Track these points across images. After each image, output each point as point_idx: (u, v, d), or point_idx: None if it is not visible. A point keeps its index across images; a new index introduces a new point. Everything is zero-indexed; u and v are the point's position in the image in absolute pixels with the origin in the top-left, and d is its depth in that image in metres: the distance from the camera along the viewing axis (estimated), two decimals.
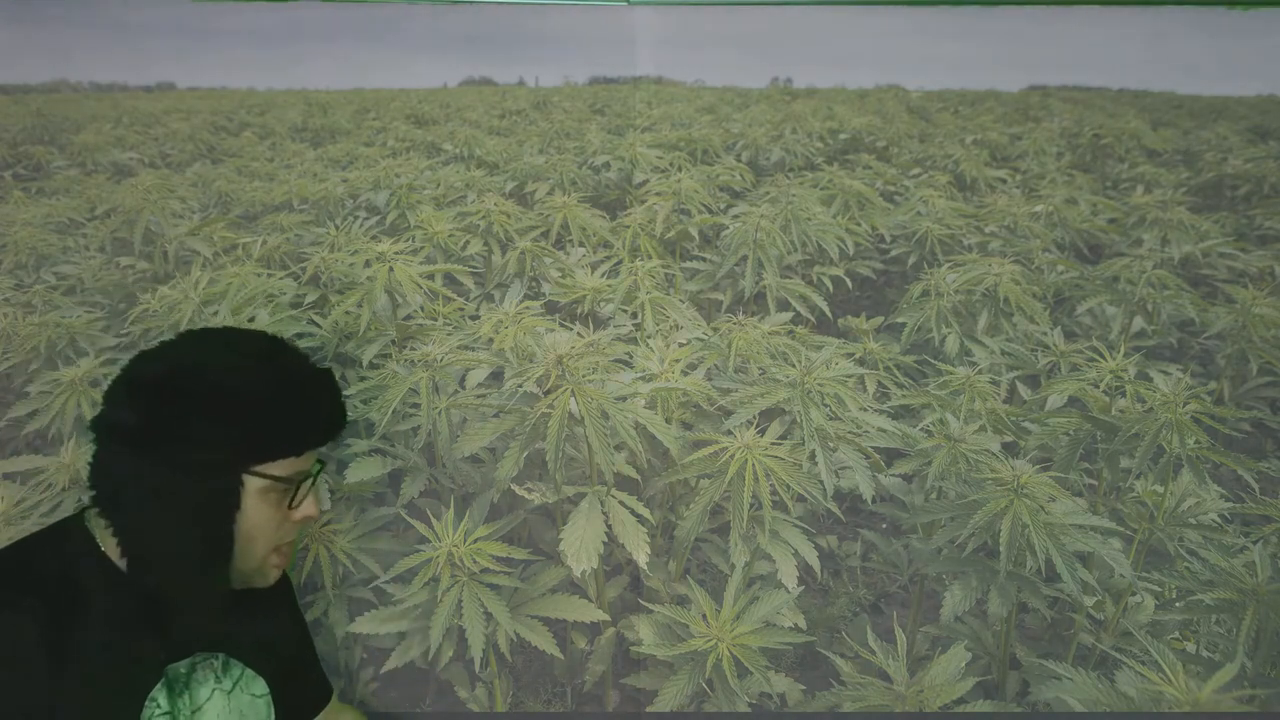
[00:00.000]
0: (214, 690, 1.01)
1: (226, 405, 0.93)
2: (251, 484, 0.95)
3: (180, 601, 0.94)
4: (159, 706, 0.95)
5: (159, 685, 0.95)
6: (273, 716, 1.07)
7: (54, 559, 0.93)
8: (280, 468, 0.96)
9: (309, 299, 1.70)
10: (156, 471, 0.91)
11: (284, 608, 1.18)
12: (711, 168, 1.80)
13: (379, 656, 1.59)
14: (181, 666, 0.98)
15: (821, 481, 1.56)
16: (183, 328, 1.64)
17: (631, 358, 1.64)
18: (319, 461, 1.04)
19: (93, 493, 0.94)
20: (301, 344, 1.66)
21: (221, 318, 1.65)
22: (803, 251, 1.77)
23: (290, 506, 0.99)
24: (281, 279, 1.71)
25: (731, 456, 1.55)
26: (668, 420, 1.62)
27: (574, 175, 1.78)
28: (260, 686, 1.06)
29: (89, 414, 1.65)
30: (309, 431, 0.99)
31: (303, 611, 1.26)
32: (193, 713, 0.98)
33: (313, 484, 1.02)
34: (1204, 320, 1.71)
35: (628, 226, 1.73)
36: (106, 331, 1.70)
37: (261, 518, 0.96)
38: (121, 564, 0.94)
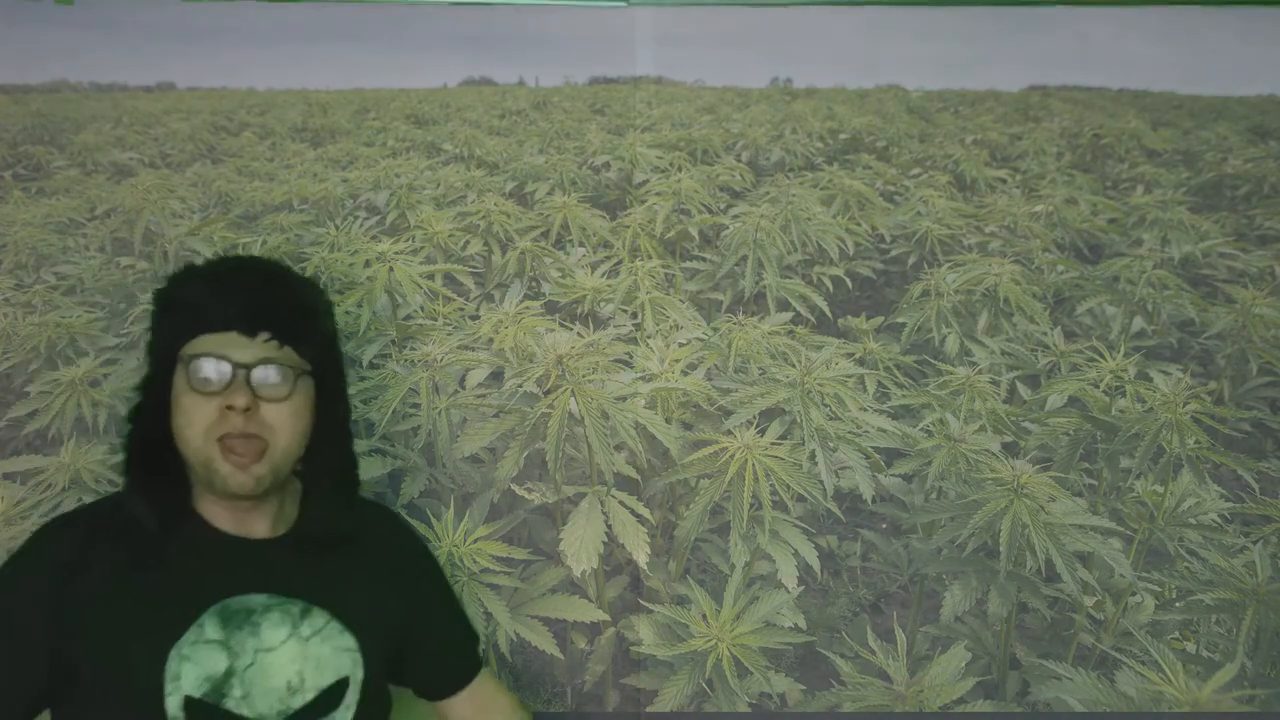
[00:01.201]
0: (290, 634, 0.99)
1: (161, 301, 1.03)
2: (180, 367, 0.99)
3: (130, 487, 0.99)
4: (205, 633, 0.95)
5: (209, 614, 0.96)
6: (361, 674, 1.03)
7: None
8: (192, 347, 0.98)
9: None
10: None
11: (400, 569, 1.14)
12: (711, 168, 1.80)
13: None
14: (245, 602, 0.98)
15: (821, 481, 1.56)
16: None
17: (631, 358, 1.64)
18: (295, 366, 1.01)
19: None
20: None
21: None
22: (803, 251, 1.78)
23: (190, 386, 0.97)
24: None
25: (731, 456, 1.55)
26: (668, 420, 1.62)
27: (574, 175, 1.78)
28: (348, 640, 1.02)
29: (89, 414, 1.65)
30: (199, 308, 0.99)
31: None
32: (257, 652, 0.97)
33: (242, 373, 0.98)
34: (1204, 320, 1.71)
35: (628, 226, 1.73)
36: (106, 331, 1.70)
37: (185, 402, 0.98)
38: None
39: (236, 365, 0.97)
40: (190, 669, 0.94)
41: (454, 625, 1.22)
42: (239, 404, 0.96)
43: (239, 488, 0.98)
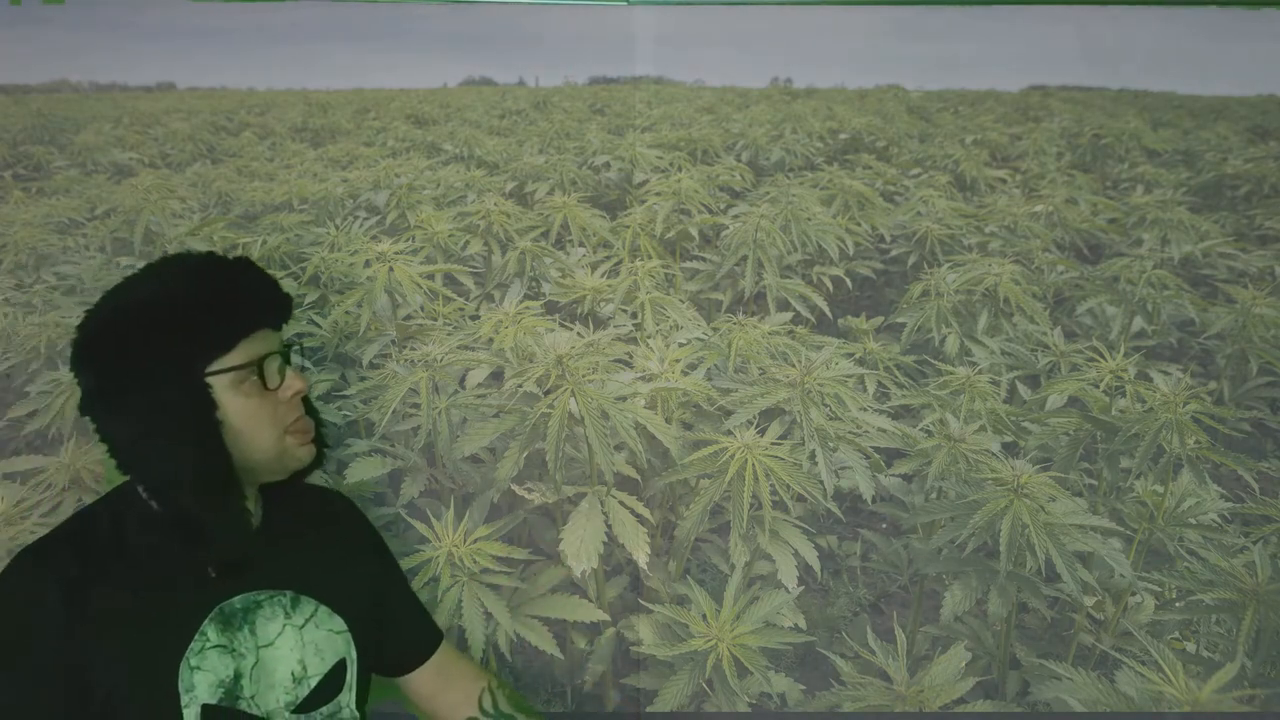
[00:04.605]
0: (285, 625, 1.02)
1: (154, 321, 0.97)
2: (219, 383, 0.96)
3: (209, 519, 0.96)
4: (208, 640, 0.97)
5: (209, 620, 0.98)
6: (354, 653, 1.07)
7: (104, 516, 0.98)
8: (236, 356, 0.97)
9: (309, 299, 1.70)
10: (127, 411, 0.95)
11: (364, 548, 1.18)
12: (711, 168, 1.80)
13: None
14: (238, 603, 1.00)
15: (821, 481, 1.56)
16: None
17: (631, 358, 1.64)
18: (286, 344, 1.05)
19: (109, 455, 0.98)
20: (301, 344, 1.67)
21: None
22: (803, 251, 1.78)
23: (269, 388, 1.00)
24: (281, 279, 1.71)
25: (731, 456, 1.55)
26: (668, 420, 1.62)
27: (574, 175, 1.78)
28: (338, 623, 1.06)
29: None
30: (239, 316, 1.00)
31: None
32: (260, 647, 1.00)
33: (286, 361, 1.03)
34: (1204, 320, 1.71)
35: (628, 226, 1.73)
36: None
37: (250, 408, 0.98)
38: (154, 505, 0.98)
39: (283, 356, 1.02)
40: (202, 678, 0.96)
41: (412, 597, 1.25)
42: (304, 389, 1.02)
43: (310, 458, 1.04)
